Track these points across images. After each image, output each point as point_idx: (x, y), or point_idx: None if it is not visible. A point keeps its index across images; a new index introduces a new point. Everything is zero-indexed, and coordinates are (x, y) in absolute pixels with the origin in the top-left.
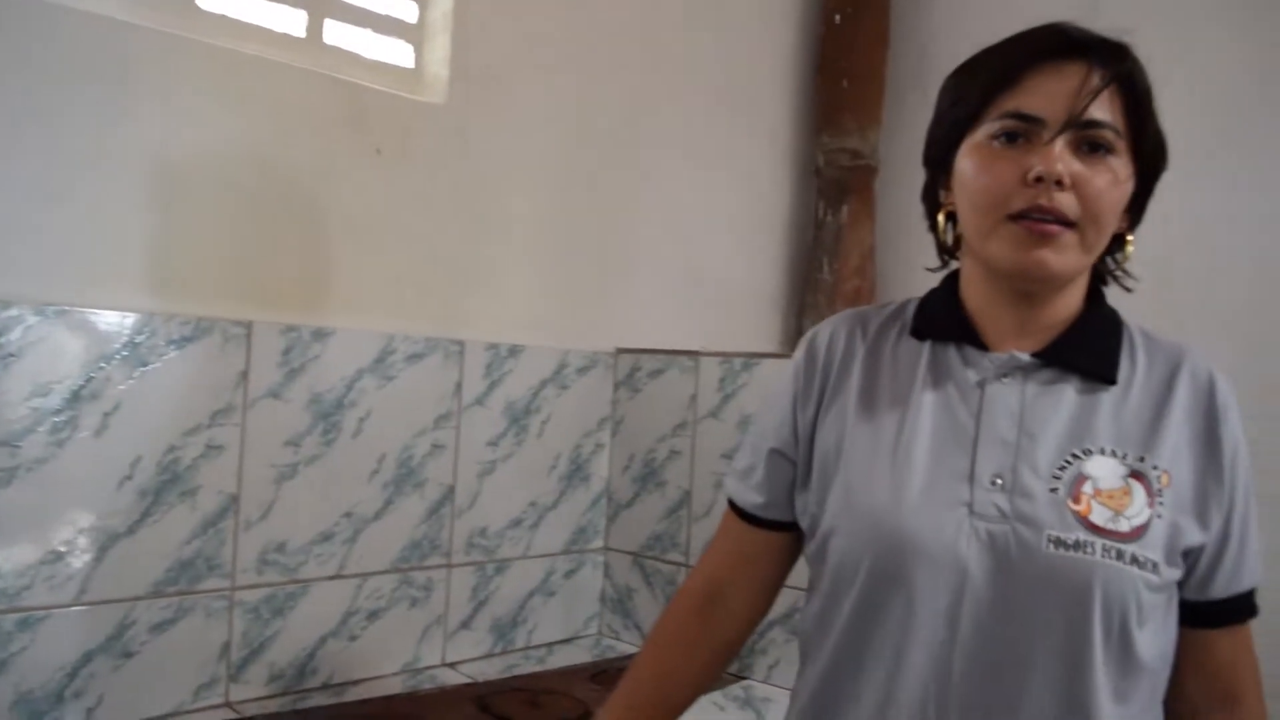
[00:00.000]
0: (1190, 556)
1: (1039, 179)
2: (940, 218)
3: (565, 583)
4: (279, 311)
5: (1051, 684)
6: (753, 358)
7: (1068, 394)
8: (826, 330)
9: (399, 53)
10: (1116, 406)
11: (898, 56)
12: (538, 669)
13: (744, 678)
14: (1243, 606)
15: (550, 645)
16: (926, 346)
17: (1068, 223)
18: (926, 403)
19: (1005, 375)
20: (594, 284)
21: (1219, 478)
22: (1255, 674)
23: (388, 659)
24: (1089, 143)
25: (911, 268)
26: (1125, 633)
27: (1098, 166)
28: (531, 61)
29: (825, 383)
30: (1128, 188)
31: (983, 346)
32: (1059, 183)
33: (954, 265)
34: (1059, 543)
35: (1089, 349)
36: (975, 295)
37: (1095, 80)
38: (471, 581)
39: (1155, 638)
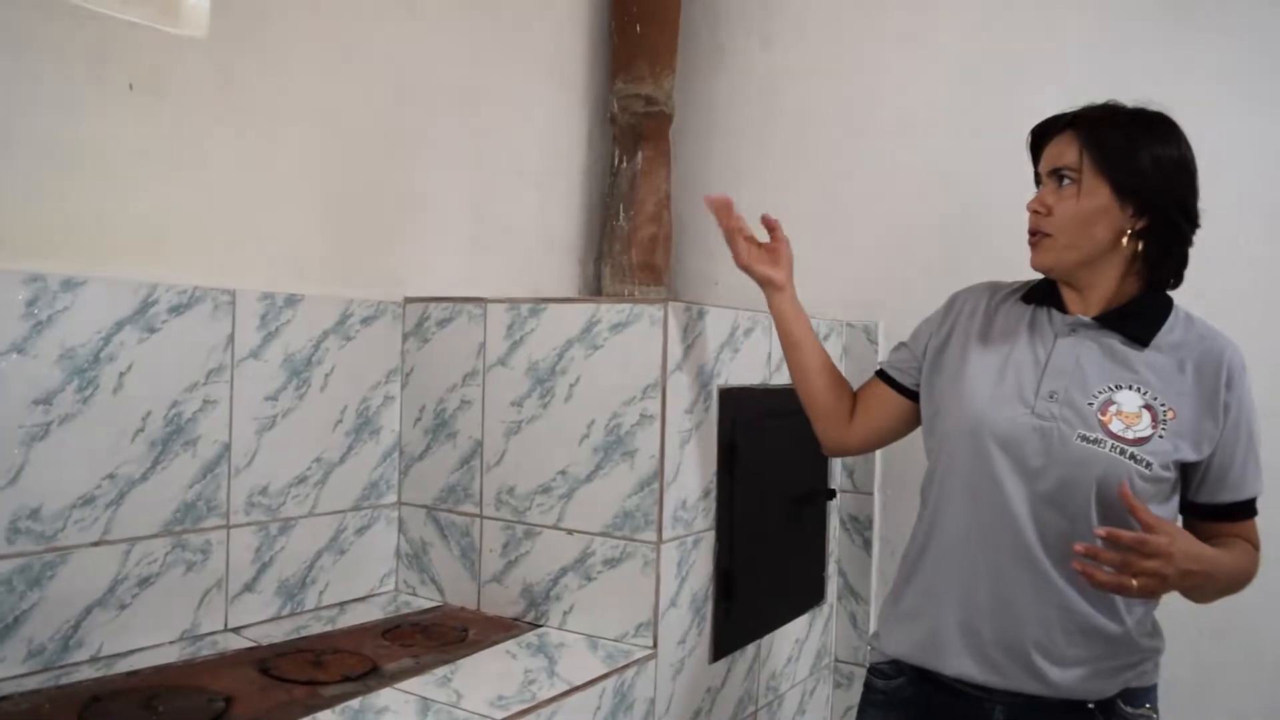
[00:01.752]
0: (1191, 470)
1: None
2: None
3: (357, 540)
4: (20, 259)
5: (1064, 531)
6: (540, 303)
7: (1114, 347)
8: (965, 294)
9: None
10: (1147, 360)
11: (690, 3)
12: (328, 629)
13: (539, 625)
14: (1243, 508)
15: (343, 604)
16: (1030, 308)
17: (1045, 234)
18: (1021, 342)
19: (1074, 330)
20: (379, 231)
21: (1215, 421)
22: (1254, 540)
23: (163, 627)
24: (1058, 179)
25: (705, 214)
26: (1113, 503)
27: (1061, 193)
28: None
29: (954, 323)
30: (1094, 200)
31: (1065, 310)
32: (1037, 211)
33: None
34: (1084, 438)
35: (1133, 319)
36: None
37: (1058, 145)
38: (254, 542)
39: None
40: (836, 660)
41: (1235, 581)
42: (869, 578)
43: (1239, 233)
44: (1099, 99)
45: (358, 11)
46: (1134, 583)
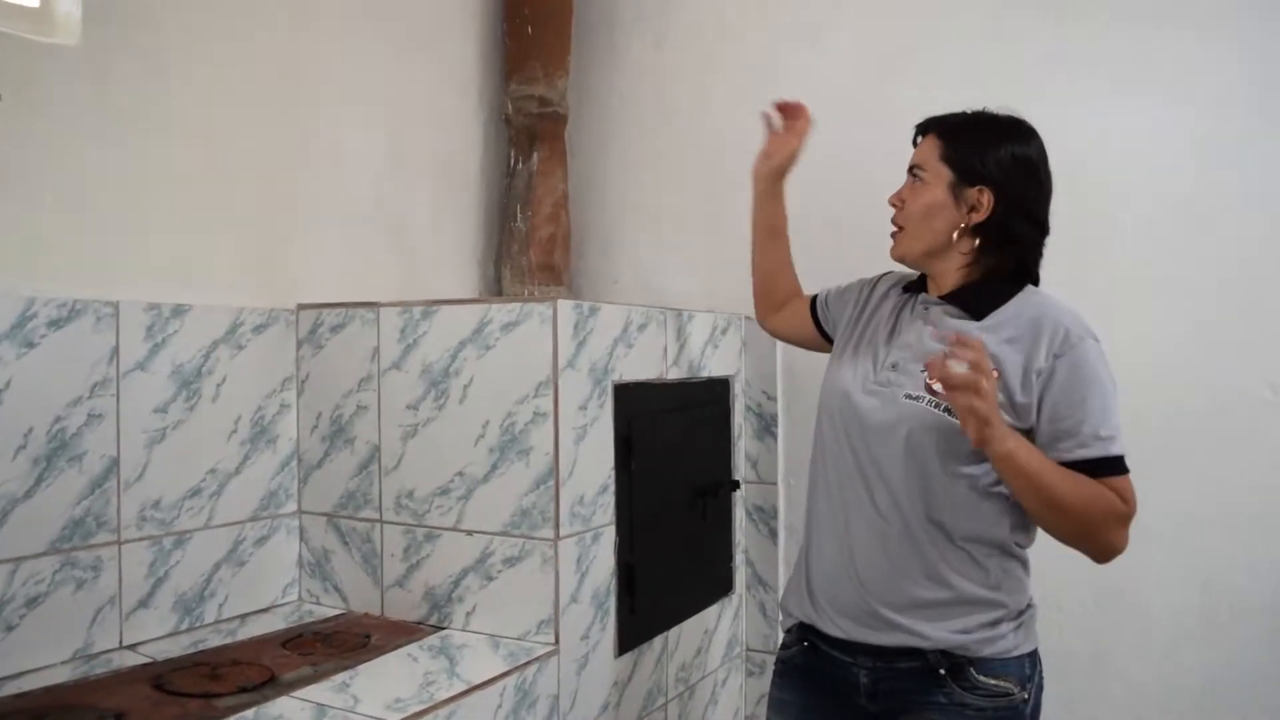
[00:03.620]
0: (1035, 431)
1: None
2: None
3: (257, 550)
4: None
5: (889, 484)
6: (432, 305)
7: (948, 321)
8: (883, 281)
9: None
10: (981, 330)
11: (583, 4)
12: (227, 642)
13: (442, 628)
14: (1094, 466)
15: (244, 617)
16: (905, 296)
17: (900, 226)
18: (883, 322)
19: (927, 309)
20: (270, 239)
21: (1030, 390)
22: (1125, 496)
23: (54, 648)
24: (913, 176)
25: (604, 214)
26: (923, 452)
27: (914, 188)
28: None
29: (863, 306)
30: (934, 194)
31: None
32: (894, 205)
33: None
34: (909, 396)
35: (969, 297)
36: None
37: (920, 145)
38: (147, 558)
39: (959, 467)
40: (748, 649)
41: (1072, 503)
42: (776, 567)
43: (1117, 221)
44: (988, 90)
45: (242, 15)
46: (983, 382)
